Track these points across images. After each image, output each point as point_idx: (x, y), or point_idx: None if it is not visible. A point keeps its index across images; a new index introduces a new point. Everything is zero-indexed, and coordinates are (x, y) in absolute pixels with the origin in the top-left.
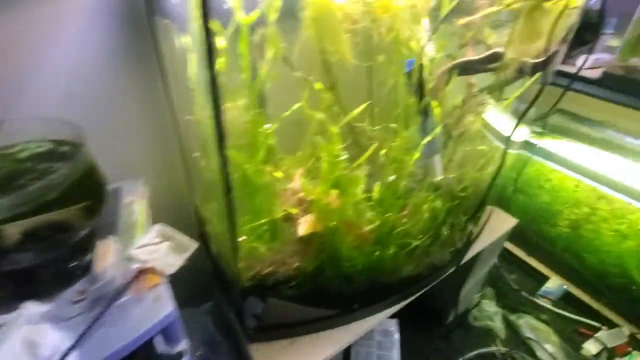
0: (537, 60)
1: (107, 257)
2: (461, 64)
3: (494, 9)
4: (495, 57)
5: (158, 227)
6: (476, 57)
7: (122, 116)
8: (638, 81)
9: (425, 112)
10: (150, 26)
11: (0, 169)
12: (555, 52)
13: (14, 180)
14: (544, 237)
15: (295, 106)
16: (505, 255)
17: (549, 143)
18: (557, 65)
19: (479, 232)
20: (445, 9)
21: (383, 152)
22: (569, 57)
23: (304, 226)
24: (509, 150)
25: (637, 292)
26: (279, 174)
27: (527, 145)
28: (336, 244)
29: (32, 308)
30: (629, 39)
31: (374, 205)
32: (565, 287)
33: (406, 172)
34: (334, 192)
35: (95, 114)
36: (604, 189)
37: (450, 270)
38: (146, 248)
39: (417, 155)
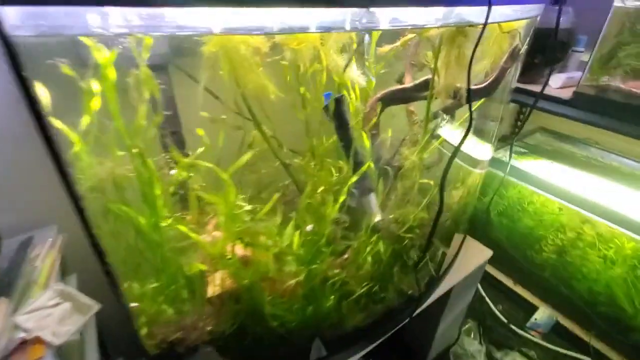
0: (476, 87)
1: None
2: (391, 93)
3: (411, 36)
4: (427, 85)
5: (57, 287)
6: (408, 85)
7: (29, 156)
8: (609, 100)
9: (348, 147)
10: None
11: None
12: (498, 76)
13: None
14: (531, 264)
15: (199, 150)
16: (493, 283)
17: (530, 164)
18: (506, 87)
19: (449, 267)
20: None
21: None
22: (539, 77)
23: (213, 286)
24: (476, 170)
25: (627, 321)
26: (183, 227)
27: (498, 163)
28: (255, 302)
29: None
30: (596, 57)
31: (296, 257)
32: (555, 318)
33: (329, 217)
34: (240, 246)
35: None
36: (589, 213)
37: (415, 312)
38: (37, 313)
39: (342, 197)
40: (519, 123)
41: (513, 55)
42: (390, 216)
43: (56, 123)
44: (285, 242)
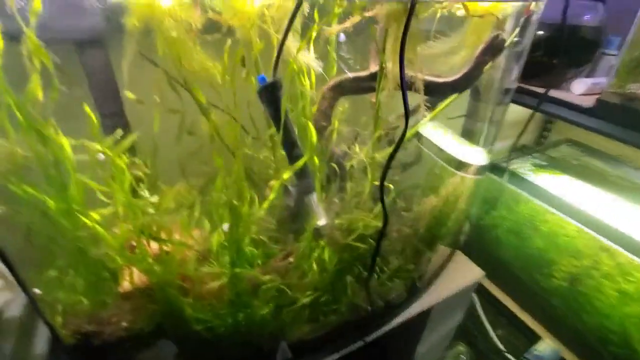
0: (443, 80)
1: None
2: (344, 82)
3: (356, 17)
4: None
5: None
6: (362, 74)
7: None
8: (636, 111)
9: (288, 142)
10: None
11: None
12: (470, 71)
13: None
14: (538, 288)
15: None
16: (495, 304)
17: (548, 179)
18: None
19: (429, 283)
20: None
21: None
22: (562, 81)
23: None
24: (464, 175)
25: None
26: (95, 215)
27: (496, 170)
28: (171, 302)
29: None
30: (624, 60)
31: (215, 257)
32: (559, 352)
33: (249, 215)
34: (146, 240)
35: None
36: (608, 241)
37: (382, 327)
38: None
39: (272, 195)
40: (545, 133)
41: (492, 47)
42: (336, 221)
43: None
44: (193, 239)
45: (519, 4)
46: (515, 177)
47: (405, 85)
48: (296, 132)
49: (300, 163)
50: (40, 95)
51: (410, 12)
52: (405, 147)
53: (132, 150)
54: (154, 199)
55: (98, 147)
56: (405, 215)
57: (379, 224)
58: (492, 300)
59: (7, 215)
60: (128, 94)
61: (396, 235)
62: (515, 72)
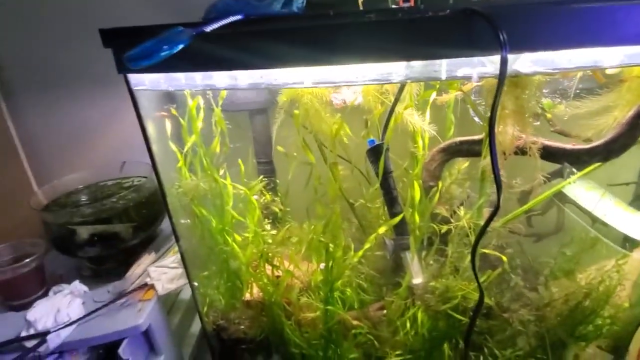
0: (580, 147)
1: (140, 267)
2: (456, 144)
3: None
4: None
5: (178, 256)
6: (475, 137)
7: None
8: None
9: (386, 196)
10: None
11: (107, 192)
12: (616, 135)
13: (104, 199)
14: None
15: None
16: None
17: None
18: None
19: None
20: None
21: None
22: None
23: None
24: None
25: None
26: (238, 237)
27: None
28: (275, 319)
29: (78, 286)
30: None
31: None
32: None
33: (342, 260)
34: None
35: None
36: None
37: None
38: (160, 269)
39: (366, 245)
40: None
41: None
42: (431, 283)
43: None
44: (300, 270)
45: None
46: None
47: (495, 150)
48: (397, 190)
49: (397, 219)
50: (217, 149)
51: (499, 86)
52: (539, 211)
53: (274, 191)
54: (273, 231)
55: (241, 187)
56: (528, 295)
57: (488, 300)
58: None
59: (189, 226)
60: (279, 148)
61: (508, 316)
62: None
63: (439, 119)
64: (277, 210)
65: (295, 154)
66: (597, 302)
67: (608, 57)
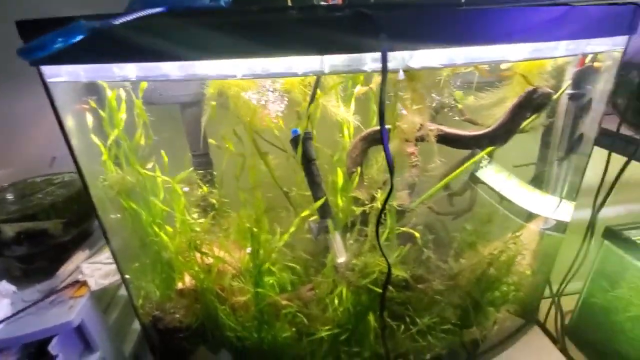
0: (462, 133)
1: (73, 264)
2: (374, 133)
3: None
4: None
5: None
6: (388, 127)
7: None
8: None
9: (310, 182)
10: None
11: (35, 188)
12: (501, 124)
13: (31, 195)
14: None
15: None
16: None
17: None
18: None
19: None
20: None
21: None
22: None
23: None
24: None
25: None
26: (169, 229)
27: (616, 239)
28: (209, 305)
29: (6, 286)
30: None
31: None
32: None
33: (267, 242)
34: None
35: None
36: None
37: None
38: (94, 265)
39: (291, 228)
40: None
41: (528, 101)
42: (352, 261)
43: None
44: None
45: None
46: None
47: (386, 138)
48: (320, 176)
49: (318, 203)
50: (142, 141)
51: (383, 80)
52: (457, 192)
53: (211, 182)
54: (200, 220)
55: (165, 178)
56: (443, 268)
57: (404, 273)
58: None
59: (117, 220)
60: (211, 141)
61: (423, 287)
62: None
63: (362, 111)
64: (214, 201)
65: (227, 145)
66: (499, 270)
67: (486, 55)
